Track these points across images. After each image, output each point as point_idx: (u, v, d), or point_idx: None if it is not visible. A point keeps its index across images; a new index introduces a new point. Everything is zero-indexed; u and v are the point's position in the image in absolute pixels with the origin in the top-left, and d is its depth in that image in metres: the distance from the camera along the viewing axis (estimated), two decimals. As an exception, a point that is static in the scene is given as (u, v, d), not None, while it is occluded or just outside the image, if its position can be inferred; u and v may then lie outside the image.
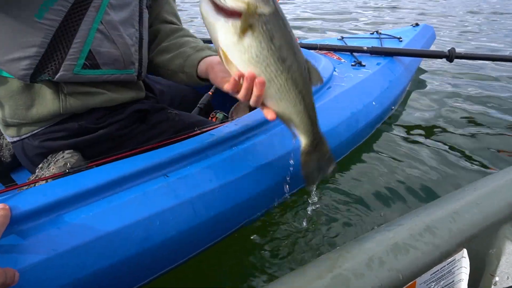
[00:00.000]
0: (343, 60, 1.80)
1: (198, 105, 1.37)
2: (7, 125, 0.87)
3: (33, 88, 0.82)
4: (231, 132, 0.97)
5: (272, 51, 0.66)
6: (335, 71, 1.62)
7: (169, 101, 1.29)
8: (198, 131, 0.96)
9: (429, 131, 1.75)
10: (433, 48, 2.62)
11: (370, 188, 1.29)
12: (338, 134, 1.24)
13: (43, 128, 0.86)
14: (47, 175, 0.80)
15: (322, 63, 1.54)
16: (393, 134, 1.68)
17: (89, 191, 0.73)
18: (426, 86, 2.34)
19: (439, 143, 1.62)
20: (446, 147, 1.59)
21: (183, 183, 0.83)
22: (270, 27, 0.64)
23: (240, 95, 0.71)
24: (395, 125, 1.76)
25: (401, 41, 2.16)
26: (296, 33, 4.10)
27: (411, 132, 1.72)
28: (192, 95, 1.44)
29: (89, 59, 0.82)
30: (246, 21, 0.62)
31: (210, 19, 0.64)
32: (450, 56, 1.94)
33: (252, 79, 0.67)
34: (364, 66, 1.72)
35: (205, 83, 0.95)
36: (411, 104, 2.02)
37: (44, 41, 0.75)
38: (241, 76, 0.68)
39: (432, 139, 1.66)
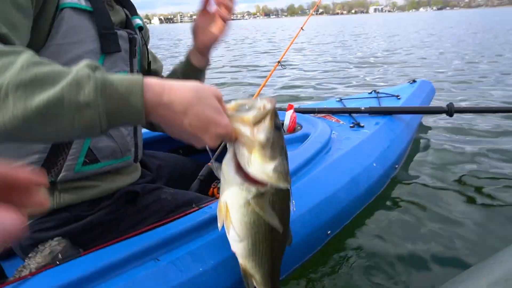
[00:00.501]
0: (341, 122, 1.82)
1: (198, 177, 1.38)
2: None
3: None
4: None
5: (268, 221, 0.71)
6: (334, 133, 1.64)
7: (167, 175, 1.30)
8: (187, 212, 0.95)
9: (437, 189, 1.70)
10: (433, 103, 2.65)
11: (374, 254, 1.22)
12: (338, 200, 1.22)
13: (34, 219, 0.87)
14: (32, 266, 0.79)
15: (319, 128, 1.56)
16: (398, 195, 1.63)
17: (75, 282, 0.71)
18: (430, 141, 2.33)
19: (447, 202, 1.56)
20: (455, 206, 1.52)
21: (174, 267, 0.80)
22: (275, 199, 0.70)
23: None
24: (401, 184, 1.72)
25: (399, 98, 2.20)
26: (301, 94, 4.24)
27: (418, 192, 1.67)
28: (191, 166, 1.45)
29: (89, 155, 0.85)
30: (259, 193, 0.67)
31: (228, 176, 0.69)
32: (450, 111, 1.95)
33: None
34: (362, 127, 1.73)
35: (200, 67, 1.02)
36: (416, 161, 1.99)
37: (46, 146, 0.80)
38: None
39: (440, 198, 1.60)
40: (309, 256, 1.18)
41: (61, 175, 0.82)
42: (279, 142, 0.68)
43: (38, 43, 0.76)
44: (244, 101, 0.68)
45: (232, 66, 6.86)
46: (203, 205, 1.00)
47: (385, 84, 4.45)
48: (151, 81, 0.58)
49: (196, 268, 0.82)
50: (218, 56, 8.69)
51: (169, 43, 15.49)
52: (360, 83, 4.69)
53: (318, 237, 1.18)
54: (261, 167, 0.65)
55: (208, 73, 1.11)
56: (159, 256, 0.82)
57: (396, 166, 1.72)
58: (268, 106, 0.65)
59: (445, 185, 1.73)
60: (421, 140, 2.31)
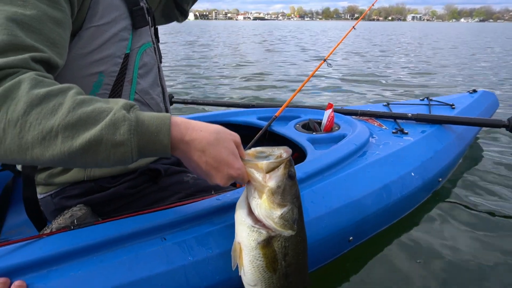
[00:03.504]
0: (384, 127, 1.72)
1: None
2: (38, 184, 0.95)
3: None
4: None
5: (281, 266, 0.72)
6: (373, 137, 1.55)
7: None
8: (204, 197, 0.95)
9: (484, 213, 1.53)
10: (496, 117, 2.41)
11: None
12: (364, 206, 1.14)
13: (61, 188, 0.92)
14: (53, 227, 0.84)
15: (357, 130, 1.49)
16: (437, 212, 1.50)
17: (80, 249, 0.74)
18: (486, 158, 2.11)
19: (491, 231, 1.39)
20: (500, 239, 1.35)
21: (179, 248, 0.80)
22: (288, 245, 0.72)
23: None
24: (443, 201, 1.58)
25: (453, 108, 2.03)
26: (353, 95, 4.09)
27: (461, 213, 1.52)
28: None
29: None
30: (269, 236, 0.70)
31: (240, 217, 0.72)
32: (511, 125, 1.75)
33: None
34: (406, 133, 1.62)
35: None
36: (466, 177, 1.82)
37: None
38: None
39: (485, 225, 1.43)
40: (328, 262, 1.13)
41: None
42: (290, 190, 0.70)
43: (76, 27, 0.80)
44: (263, 148, 0.74)
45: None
46: (222, 193, 0.99)
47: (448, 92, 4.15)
48: (177, 120, 0.67)
49: (200, 253, 0.82)
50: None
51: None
52: (414, 91, 4.42)
53: (338, 242, 1.11)
54: (268, 212, 0.68)
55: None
56: (167, 236, 0.82)
57: (440, 179, 1.58)
58: (284, 155, 0.70)
59: (493, 210, 1.56)
60: (476, 156, 2.10)
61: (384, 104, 2.11)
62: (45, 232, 0.85)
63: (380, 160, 1.32)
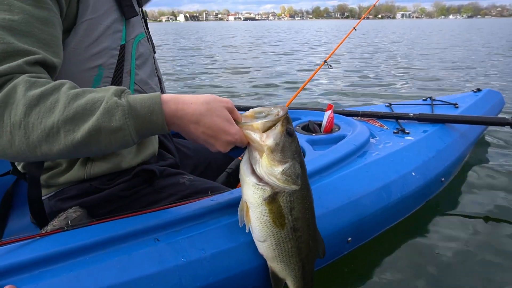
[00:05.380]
0: (385, 128, 1.70)
1: (226, 169, 1.37)
2: (47, 185, 0.95)
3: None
4: (236, 198, 0.94)
5: (288, 220, 0.75)
6: (374, 138, 1.54)
7: (192, 166, 1.31)
8: (200, 198, 0.94)
9: (488, 216, 1.50)
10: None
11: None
12: (363, 206, 1.13)
13: (59, 190, 0.92)
14: (48, 228, 0.84)
15: (357, 130, 1.48)
16: (440, 212, 1.47)
17: (73, 250, 0.74)
18: (492, 157, 2.08)
19: (496, 234, 1.36)
20: (504, 242, 1.32)
21: (172, 249, 0.80)
22: (293, 199, 0.74)
23: None
24: (446, 200, 1.56)
25: (457, 107, 2.00)
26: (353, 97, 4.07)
27: (466, 213, 1.49)
28: (221, 158, 1.45)
29: None
30: (274, 193, 0.72)
31: (245, 176, 0.74)
32: (516, 124, 1.72)
33: None
34: (407, 133, 1.60)
35: None
36: (470, 177, 1.78)
37: None
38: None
39: (488, 228, 1.40)
40: (326, 264, 1.11)
41: None
42: (290, 147, 0.72)
43: (70, 22, 0.81)
44: (260, 108, 0.74)
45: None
46: (217, 194, 0.99)
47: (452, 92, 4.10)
48: (167, 98, 0.69)
49: (193, 254, 0.81)
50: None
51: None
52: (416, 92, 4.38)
53: (337, 243, 1.10)
54: (270, 169, 0.70)
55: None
56: (160, 237, 0.82)
57: (443, 179, 1.56)
58: (281, 113, 0.72)
59: (498, 211, 1.52)
60: (481, 155, 2.07)
61: (386, 104, 2.09)
62: (41, 233, 0.85)
63: (380, 160, 1.31)
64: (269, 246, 0.77)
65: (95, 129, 0.62)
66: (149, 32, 1.11)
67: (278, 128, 0.71)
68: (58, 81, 0.66)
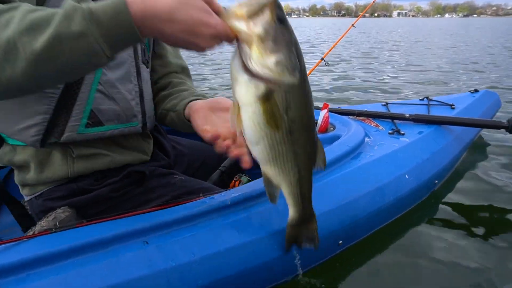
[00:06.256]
0: (381, 128, 1.70)
1: (220, 167, 1.36)
2: (23, 185, 0.94)
3: (46, 153, 0.89)
4: (230, 199, 0.94)
5: (284, 121, 0.67)
6: (369, 138, 1.53)
7: (186, 164, 1.30)
8: (191, 199, 0.94)
9: (482, 218, 1.50)
10: (498, 118, 2.36)
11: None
12: (355, 209, 1.13)
13: (47, 189, 0.91)
14: (36, 229, 0.83)
15: (352, 130, 1.47)
16: (432, 215, 1.47)
17: (61, 252, 0.73)
18: (486, 160, 2.07)
19: (489, 235, 1.36)
20: (496, 242, 1.32)
21: (161, 252, 0.80)
22: (289, 98, 0.66)
23: (221, 149, 0.84)
24: (439, 203, 1.56)
25: (453, 108, 2.00)
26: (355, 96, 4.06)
27: (457, 215, 1.49)
28: (216, 156, 1.44)
29: (92, 117, 0.87)
30: (268, 90, 0.64)
31: (236, 74, 0.66)
32: (511, 127, 1.72)
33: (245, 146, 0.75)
34: (402, 134, 1.60)
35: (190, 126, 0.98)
36: (464, 180, 1.78)
37: (49, 108, 0.82)
38: (236, 137, 0.76)
39: (482, 229, 1.40)
40: (315, 265, 1.11)
41: (65, 135, 0.85)
42: (283, 36, 0.64)
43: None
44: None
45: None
46: (210, 195, 0.98)
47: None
48: None
49: (183, 257, 0.81)
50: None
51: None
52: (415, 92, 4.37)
53: (327, 246, 1.10)
54: (261, 61, 0.62)
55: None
56: (149, 240, 0.82)
57: (436, 181, 1.56)
58: None
59: (491, 214, 1.53)
60: (476, 157, 2.06)
61: (383, 103, 2.09)
62: (28, 234, 0.85)
63: (374, 162, 1.30)
64: (262, 149, 0.70)
65: (54, 37, 0.57)
66: (151, 44, 1.08)
67: (266, 13, 0.62)
68: (17, 3, 0.63)
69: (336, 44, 2.09)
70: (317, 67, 2.02)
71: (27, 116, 0.82)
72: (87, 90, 0.85)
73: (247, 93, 0.65)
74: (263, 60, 0.62)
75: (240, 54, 0.64)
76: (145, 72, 1.02)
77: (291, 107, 0.66)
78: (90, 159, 0.92)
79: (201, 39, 0.63)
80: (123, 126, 0.94)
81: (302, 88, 0.67)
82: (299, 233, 0.89)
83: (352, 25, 2.18)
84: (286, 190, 0.78)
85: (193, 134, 1.65)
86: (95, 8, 0.59)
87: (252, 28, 0.62)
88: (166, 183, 1.02)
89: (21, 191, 0.98)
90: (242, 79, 0.65)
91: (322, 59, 1.99)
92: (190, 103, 0.98)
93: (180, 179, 1.06)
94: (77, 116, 0.85)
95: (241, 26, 0.63)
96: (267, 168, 0.75)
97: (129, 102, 0.93)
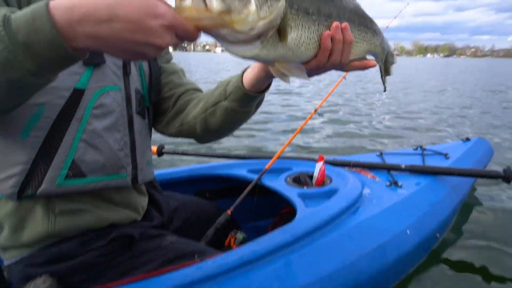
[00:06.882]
0: (377, 179, 1.68)
1: (214, 224, 1.31)
2: (3, 248, 0.88)
3: (25, 210, 0.84)
4: (227, 263, 0.88)
5: (313, 20, 0.66)
6: (366, 190, 1.50)
7: (183, 219, 1.25)
8: (185, 263, 0.88)
9: (487, 268, 1.45)
10: (491, 166, 2.38)
11: None
12: (356, 272, 1.07)
13: (27, 254, 0.85)
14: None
15: (349, 184, 1.45)
16: (436, 272, 1.41)
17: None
18: (484, 210, 2.05)
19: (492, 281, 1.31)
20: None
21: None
22: (295, 10, 0.63)
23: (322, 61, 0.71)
24: (442, 258, 1.50)
25: (447, 158, 2.00)
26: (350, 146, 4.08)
27: (463, 266, 1.43)
28: (211, 210, 1.39)
29: (73, 168, 0.81)
30: (280, 28, 0.61)
31: (248, 53, 0.61)
32: (507, 176, 1.71)
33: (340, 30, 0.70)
34: (400, 186, 1.58)
35: (253, 94, 0.86)
36: (465, 231, 1.74)
37: (29, 158, 0.78)
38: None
39: (491, 279, 1.35)
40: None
41: (41, 187, 0.79)
42: None
43: None
44: None
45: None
46: (206, 258, 0.93)
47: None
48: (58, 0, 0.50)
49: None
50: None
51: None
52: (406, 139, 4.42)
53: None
54: (247, 24, 0.55)
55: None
56: (139, 314, 0.75)
57: (437, 235, 1.51)
58: None
59: (497, 266, 1.47)
60: (473, 207, 2.04)
61: (378, 154, 2.09)
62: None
63: (373, 218, 1.27)
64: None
65: None
66: (149, 90, 1.02)
67: None
68: None
69: (328, 96, 2.13)
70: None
71: (6, 166, 0.78)
72: (71, 139, 0.80)
73: (271, 48, 0.62)
74: (247, 21, 0.55)
75: (227, 40, 0.58)
76: (141, 123, 0.98)
77: (308, 8, 0.65)
78: (73, 216, 0.85)
79: (152, 35, 0.52)
80: (109, 178, 0.88)
81: None
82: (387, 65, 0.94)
83: (344, 77, 2.24)
84: (377, 50, 0.86)
85: (187, 189, 1.62)
86: (16, 14, 0.51)
87: (211, 8, 0.53)
88: (157, 246, 0.96)
89: (2, 256, 0.91)
90: (255, 49, 0.60)
91: (315, 110, 2.02)
92: (244, 74, 0.86)
93: (171, 241, 1.01)
94: (56, 167, 0.80)
95: (198, 13, 0.53)
96: (354, 54, 0.75)
97: (115, 152, 0.88)
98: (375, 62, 0.81)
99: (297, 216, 1.20)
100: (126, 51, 0.54)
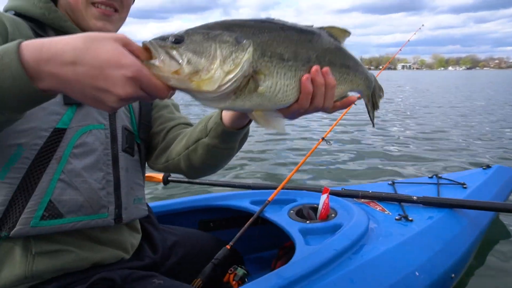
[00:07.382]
0: (387, 212, 1.59)
1: (212, 260, 1.26)
2: None
3: (5, 249, 0.81)
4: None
5: (289, 66, 0.63)
6: (372, 225, 1.42)
7: (182, 253, 1.21)
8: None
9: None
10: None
11: None
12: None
13: None
14: None
15: (354, 219, 1.37)
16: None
17: None
18: (506, 245, 1.89)
19: None
20: None
21: None
22: (268, 57, 0.61)
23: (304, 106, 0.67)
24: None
25: (465, 187, 1.89)
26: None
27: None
28: (211, 244, 1.35)
29: (49, 209, 0.80)
30: (249, 78, 0.59)
31: (222, 105, 0.61)
32: (530, 210, 1.59)
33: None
34: (411, 221, 1.48)
35: (233, 131, 0.83)
36: (484, 270, 1.61)
37: (5, 199, 0.77)
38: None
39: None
40: None
41: (15, 228, 0.77)
42: (194, 43, 0.56)
43: None
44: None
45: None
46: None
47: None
48: (31, 40, 0.53)
49: None
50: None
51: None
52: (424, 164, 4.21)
53: None
54: (214, 79, 0.56)
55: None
56: None
57: (452, 275, 1.40)
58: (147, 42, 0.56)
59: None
60: (495, 242, 1.89)
61: (389, 182, 1.99)
62: None
63: (379, 257, 1.18)
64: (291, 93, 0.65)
65: None
66: (139, 128, 1.01)
67: (162, 52, 0.54)
68: None
69: (336, 123, 2.08)
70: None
71: None
72: (48, 179, 0.79)
73: (244, 100, 0.60)
74: (213, 79, 0.56)
75: (198, 96, 0.59)
76: (128, 160, 0.95)
77: (266, 51, 0.61)
78: (52, 257, 0.83)
79: (112, 84, 0.52)
80: (89, 218, 0.85)
81: (263, 38, 0.61)
82: (373, 97, 0.89)
83: (354, 103, 2.17)
84: (361, 86, 0.80)
85: (190, 219, 1.58)
86: None
87: (179, 69, 0.55)
88: None
89: None
90: (229, 99, 0.60)
91: (323, 138, 1.96)
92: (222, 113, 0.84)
93: (159, 283, 0.96)
94: (32, 208, 0.78)
95: (167, 73, 0.55)
96: (339, 92, 0.73)
97: (96, 191, 0.86)
98: (355, 98, 0.77)
99: (295, 256, 1.13)
100: (86, 96, 0.54)
